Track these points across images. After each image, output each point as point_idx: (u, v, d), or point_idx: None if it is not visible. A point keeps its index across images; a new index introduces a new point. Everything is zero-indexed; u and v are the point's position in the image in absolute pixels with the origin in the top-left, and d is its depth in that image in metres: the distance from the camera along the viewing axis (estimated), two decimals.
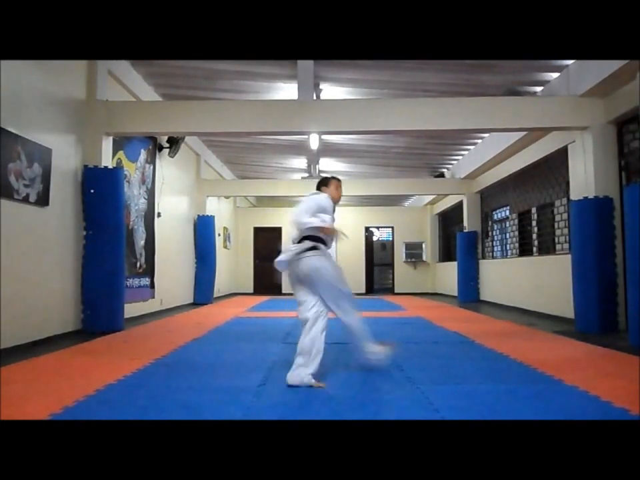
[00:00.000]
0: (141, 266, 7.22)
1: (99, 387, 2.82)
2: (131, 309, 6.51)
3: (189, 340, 4.80)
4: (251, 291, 14.39)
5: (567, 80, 5.84)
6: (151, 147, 7.61)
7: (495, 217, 10.26)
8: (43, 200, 4.72)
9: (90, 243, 5.40)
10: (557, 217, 7.27)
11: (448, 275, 12.49)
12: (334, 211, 3.28)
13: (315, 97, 6.55)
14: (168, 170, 8.39)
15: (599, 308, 5.27)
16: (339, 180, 3.44)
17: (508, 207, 9.45)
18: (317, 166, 11.25)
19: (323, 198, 3.19)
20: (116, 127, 5.75)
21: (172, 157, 8.26)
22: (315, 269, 3.00)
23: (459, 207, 11.65)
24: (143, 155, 7.32)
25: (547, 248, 7.66)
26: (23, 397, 2.61)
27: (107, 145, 5.80)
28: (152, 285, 7.59)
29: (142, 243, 7.29)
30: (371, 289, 14.95)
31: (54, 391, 2.76)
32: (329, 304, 3.06)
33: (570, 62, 5.75)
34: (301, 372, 2.90)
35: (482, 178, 10.13)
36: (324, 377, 3.20)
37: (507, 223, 9.50)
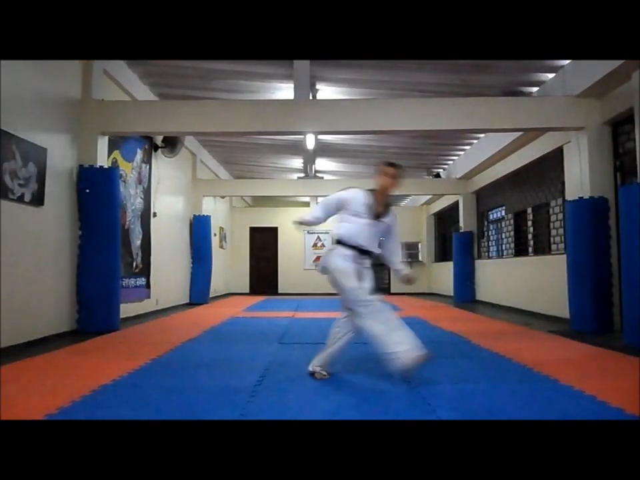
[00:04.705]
0: (137, 266, 7.19)
1: (94, 387, 2.81)
2: (127, 309, 6.49)
3: (185, 340, 4.79)
4: (247, 291, 14.37)
5: (563, 80, 5.86)
6: (147, 147, 7.59)
7: (491, 217, 10.28)
8: (37, 200, 4.69)
9: (85, 242, 5.38)
10: (553, 217, 7.29)
11: (444, 275, 12.52)
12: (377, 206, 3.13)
13: (311, 97, 6.55)
14: (164, 170, 8.36)
15: (594, 308, 5.29)
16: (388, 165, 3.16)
17: (504, 207, 9.47)
18: (313, 166, 11.25)
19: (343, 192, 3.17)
20: (111, 127, 5.73)
21: (171, 158, 8.26)
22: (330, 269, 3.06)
23: (454, 207, 11.67)
24: (139, 155, 7.29)
25: (543, 248, 7.69)
26: (17, 398, 2.60)
27: (103, 144, 5.77)
28: (148, 285, 7.57)
29: (138, 242, 7.27)
30: None
31: (49, 391, 2.74)
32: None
33: (565, 62, 5.76)
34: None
35: (478, 178, 10.16)
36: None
37: (503, 223, 9.52)
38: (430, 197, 13.19)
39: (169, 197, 8.73)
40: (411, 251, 14.70)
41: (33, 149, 4.61)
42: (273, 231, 14.48)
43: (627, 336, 4.48)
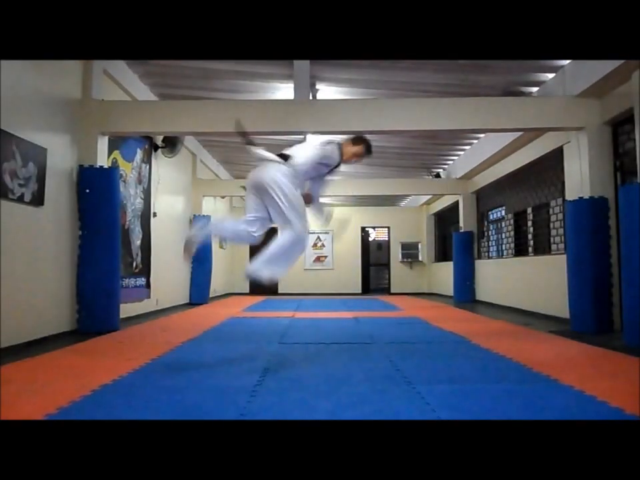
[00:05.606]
0: (137, 266, 7.19)
1: (94, 388, 2.80)
2: (127, 309, 6.49)
3: (185, 340, 4.78)
4: (247, 291, 14.37)
5: (563, 80, 5.86)
6: (147, 147, 7.59)
7: (491, 217, 10.29)
8: (37, 200, 4.69)
9: (85, 242, 5.38)
10: (553, 217, 7.29)
11: (444, 275, 12.52)
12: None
13: (311, 97, 6.55)
14: (164, 169, 8.36)
15: (594, 308, 5.29)
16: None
17: (504, 207, 9.47)
18: None
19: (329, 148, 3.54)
20: (111, 127, 5.73)
21: (171, 158, 8.26)
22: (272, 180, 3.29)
23: (454, 207, 11.68)
24: (139, 155, 7.29)
25: (543, 248, 7.69)
26: (17, 397, 2.60)
27: (103, 144, 5.77)
28: (148, 285, 7.57)
29: (138, 242, 7.27)
30: (367, 289, 14.97)
31: (49, 392, 2.74)
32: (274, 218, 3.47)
33: (565, 62, 5.76)
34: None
35: (478, 178, 10.16)
36: (320, 376, 3.20)
37: (503, 223, 9.52)
38: (430, 196, 13.19)
39: (168, 196, 8.73)
40: (411, 251, 14.72)
41: (32, 149, 4.61)
42: (273, 231, 14.47)
43: (627, 336, 4.47)
